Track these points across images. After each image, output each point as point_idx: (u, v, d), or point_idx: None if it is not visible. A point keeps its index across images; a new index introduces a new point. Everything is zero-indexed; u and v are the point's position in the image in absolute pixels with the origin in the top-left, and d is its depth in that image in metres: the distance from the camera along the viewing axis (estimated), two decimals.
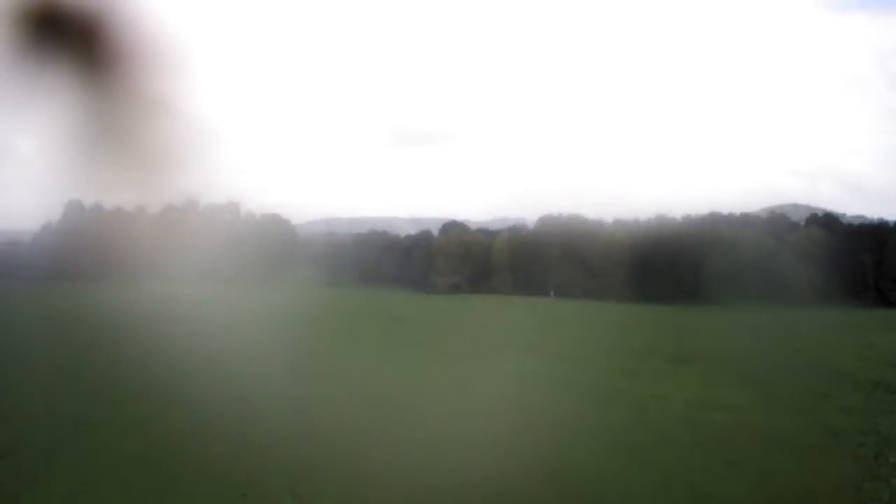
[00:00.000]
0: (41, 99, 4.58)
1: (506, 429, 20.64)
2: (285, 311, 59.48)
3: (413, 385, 28.45)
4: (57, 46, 4.48)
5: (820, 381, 31.21)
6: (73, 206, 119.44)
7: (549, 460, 18.07)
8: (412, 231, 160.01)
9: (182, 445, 18.77)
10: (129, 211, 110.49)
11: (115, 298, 71.60)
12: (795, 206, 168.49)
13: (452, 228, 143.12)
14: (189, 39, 4.70)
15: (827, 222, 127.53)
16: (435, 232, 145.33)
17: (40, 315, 57.82)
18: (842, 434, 21.64)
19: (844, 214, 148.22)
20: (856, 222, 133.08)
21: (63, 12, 4.43)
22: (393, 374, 30.76)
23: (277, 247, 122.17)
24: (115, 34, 4.55)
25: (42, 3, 4.37)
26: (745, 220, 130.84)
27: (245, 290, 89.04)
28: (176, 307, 58.89)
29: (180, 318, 49.60)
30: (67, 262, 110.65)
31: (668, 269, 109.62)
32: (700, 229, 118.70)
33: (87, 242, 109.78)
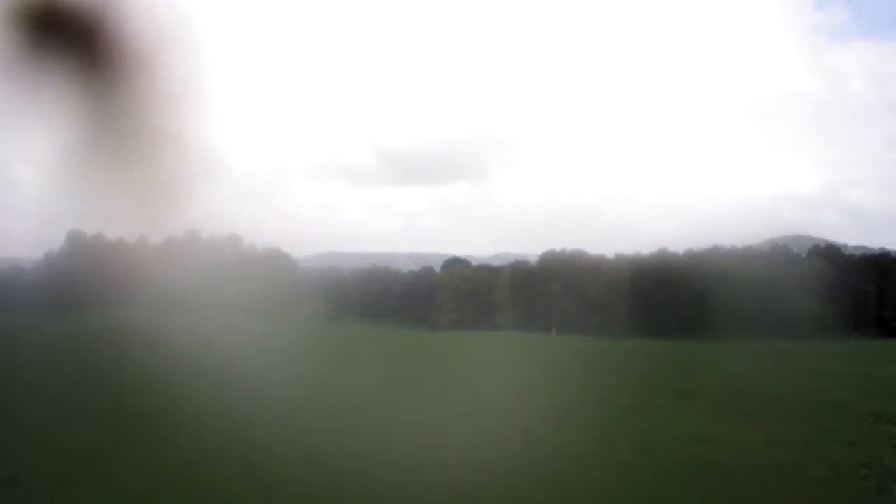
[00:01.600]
0: (40, 117, 4.55)
1: (499, 466, 20.53)
2: (294, 346, 59.53)
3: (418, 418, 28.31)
4: (57, 58, 4.46)
5: (822, 413, 31.05)
6: (75, 236, 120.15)
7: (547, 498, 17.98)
8: (414, 267, 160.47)
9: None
10: (132, 242, 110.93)
11: (119, 329, 71.29)
12: (797, 237, 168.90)
13: (455, 265, 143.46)
14: (193, 61, 4.67)
15: (829, 253, 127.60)
16: (437, 268, 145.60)
17: (46, 347, 57.22)
18: (844, 467, 21.50)
19: (846, 245, 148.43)
20: (858, 252, 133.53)
21: (63, 19, 4.40)
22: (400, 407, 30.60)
23: (278, 280, 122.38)
24: (117, 48, 4.51)
25: (42, 7, 4.34)
26: (747, 253, 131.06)
27: (247, 323, 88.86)
28: (183, 340, 58.79)
29: (190, 351, 49.44)
30: (69, 293, 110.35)
31: (670, 303, 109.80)
32: (701, 263, 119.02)
33: (89, 272, 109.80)
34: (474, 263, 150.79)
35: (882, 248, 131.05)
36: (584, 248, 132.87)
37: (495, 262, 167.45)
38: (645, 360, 66.24)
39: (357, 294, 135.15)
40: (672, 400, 35.90)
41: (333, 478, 19.44)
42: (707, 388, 41.38)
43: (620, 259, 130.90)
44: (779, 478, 20.40)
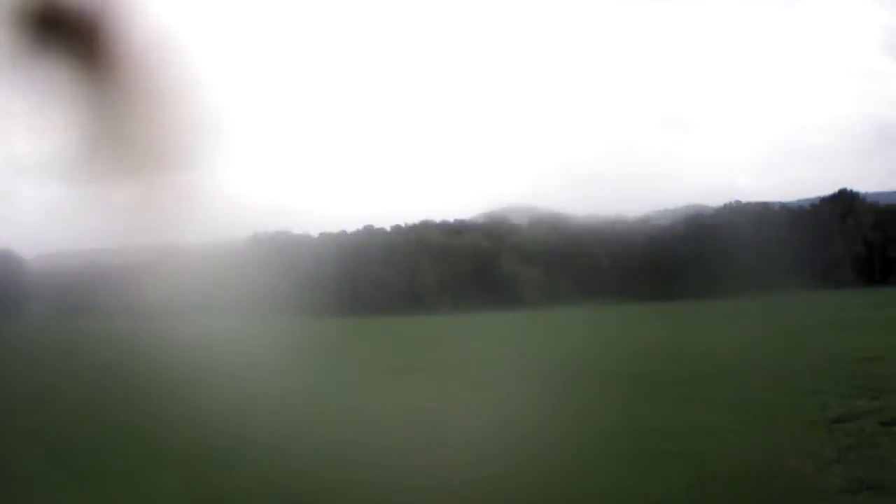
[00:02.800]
0: (41, 116, 4.49)
1: None
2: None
3: None
4: (57, 57, 4.42)
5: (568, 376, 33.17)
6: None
7: None
8: None
9: None
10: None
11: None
12: (516, 209, 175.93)
13: None
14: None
15: (554, 222, 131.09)
16: None
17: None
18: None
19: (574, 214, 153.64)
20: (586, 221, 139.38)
21: (63, 15, 4.37)
22: None
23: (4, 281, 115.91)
24: (117, 48, 4.51)
25: (42, 4, 4.32)
26: (462, 227, 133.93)
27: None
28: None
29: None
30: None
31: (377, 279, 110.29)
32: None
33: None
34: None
35: (617, 215, 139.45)
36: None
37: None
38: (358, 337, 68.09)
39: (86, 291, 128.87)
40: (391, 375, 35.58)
41: None
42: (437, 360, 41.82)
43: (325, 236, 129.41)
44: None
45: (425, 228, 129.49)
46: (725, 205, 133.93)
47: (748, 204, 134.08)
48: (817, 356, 37.35)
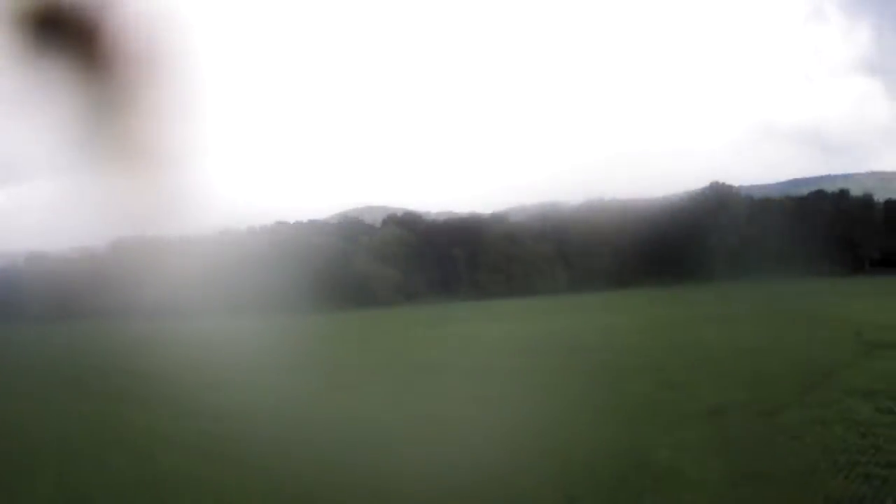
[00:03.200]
0: (42, 115, 4.53)
1: None
2: None
3: None
4: (57, 57, 4.42)
5: None
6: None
7: None
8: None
9: None
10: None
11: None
12: (370, 208, 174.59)
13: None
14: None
15: (407, 221, 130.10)
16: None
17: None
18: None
19: (429, 212, 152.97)
20: (441, 218, 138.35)
21: (63, 16, 4.34)
22: None
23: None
24: (117, 48, 4.53)
25: (42, 5, 4.30)
26: (315, 227, 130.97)
27: None
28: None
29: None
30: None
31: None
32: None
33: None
34: None
35: (472, 213, 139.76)
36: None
37: None
38: None
39: None
40: None
41: None
42: None
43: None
44: None
45: (279, 229, 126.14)
46: (586, 202, 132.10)
47: (611, 200, 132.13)
48: (691, 349, 38.56)
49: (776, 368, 29.85)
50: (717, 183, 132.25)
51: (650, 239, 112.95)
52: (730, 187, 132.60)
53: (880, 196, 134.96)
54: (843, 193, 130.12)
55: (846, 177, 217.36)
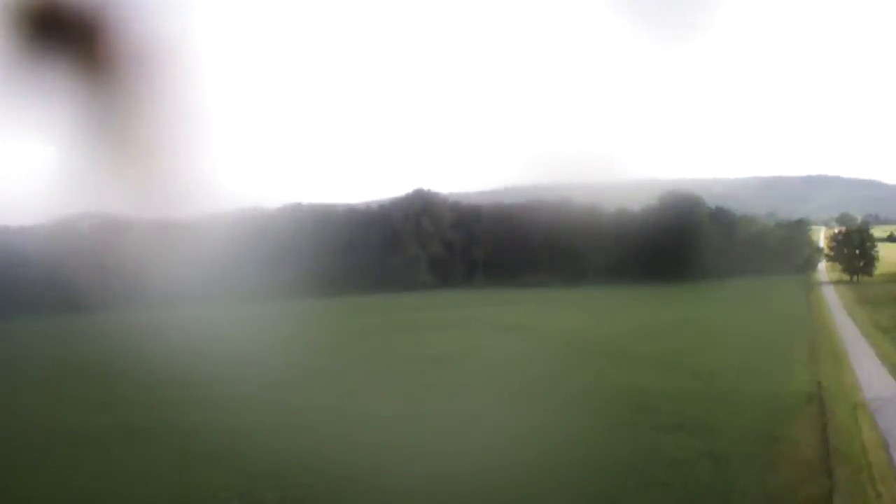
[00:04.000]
0: (42, 101, 4.54)
1: None
2: None
3: None
4: (58, 47, 4.43)
5: None
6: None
7: None
8: None
9: None
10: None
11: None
12: None
13: None
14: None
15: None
16: None
17: None
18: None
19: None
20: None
21: (63, 13, 4.30)
22: None
23: None
24: (116, 39, 4.50)
25: (42, 7, 4.18)
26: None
27: None
28: None
29: None
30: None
31: None
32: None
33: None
34: None
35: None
36: None
37: None
38: None
39: None
40: None
41: None
42: None
43: None
44: None
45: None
46: (284, 206, 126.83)
47: (310, 206, 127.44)
48: (384, 357, 45.36)
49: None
50: (421, 190, 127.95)
51: (345, 246, 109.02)
52: (434, 194, 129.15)
53: (609, 204, 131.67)
54: (566, 201, 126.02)
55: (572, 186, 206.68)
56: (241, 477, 23.12)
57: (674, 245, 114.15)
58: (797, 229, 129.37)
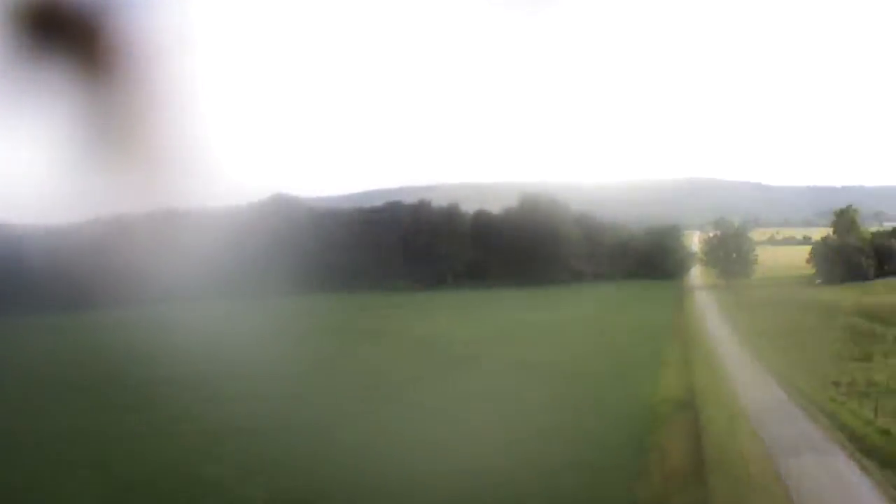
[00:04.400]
0: (42, 100, 4.56)
1: None
2: None
3: None
4: (57, 47, 4.44)
5: None
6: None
7: None
8: None
9: None
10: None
11: None
12: None
13: None
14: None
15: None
16: None
17: None
18: None
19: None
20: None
21: (63, 13, 4.32)
22: None
23: None
24: (115, 36, 4.53)
25: (42, 3, 4.22)
26: None
27: None
28: None
29: None
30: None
31: None
32: None
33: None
34: None
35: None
36: None
37: None
38: None
39: None
40: None
41: None
42: None
43: None
44: None
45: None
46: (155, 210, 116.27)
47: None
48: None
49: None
50: (279, 195, 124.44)
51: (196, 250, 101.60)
52: (293, 198, 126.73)
53: (469, 207, 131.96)
54: (424, 204, 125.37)
55: (431, 188, 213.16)
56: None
57: (534, 248, 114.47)
58: (668, 234, 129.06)
